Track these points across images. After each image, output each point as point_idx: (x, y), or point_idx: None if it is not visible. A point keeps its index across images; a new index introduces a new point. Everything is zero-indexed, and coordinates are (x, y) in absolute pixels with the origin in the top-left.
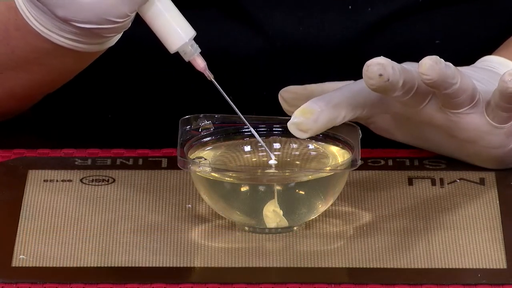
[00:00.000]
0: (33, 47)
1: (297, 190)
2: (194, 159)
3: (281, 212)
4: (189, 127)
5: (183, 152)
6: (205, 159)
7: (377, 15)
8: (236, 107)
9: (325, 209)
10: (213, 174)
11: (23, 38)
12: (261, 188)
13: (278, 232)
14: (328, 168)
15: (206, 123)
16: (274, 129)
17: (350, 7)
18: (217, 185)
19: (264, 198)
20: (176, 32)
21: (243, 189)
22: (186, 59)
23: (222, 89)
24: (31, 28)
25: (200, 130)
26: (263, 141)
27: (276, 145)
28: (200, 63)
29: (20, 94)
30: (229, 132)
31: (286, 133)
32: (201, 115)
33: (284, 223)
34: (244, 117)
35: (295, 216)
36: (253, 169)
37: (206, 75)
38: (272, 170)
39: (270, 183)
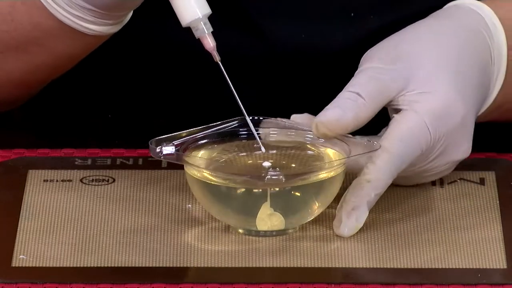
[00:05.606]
0: (36, 24)
1: (292, 193)
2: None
3: (276, 215)
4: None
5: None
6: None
7: (379, 22)
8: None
9: (320, 211)
10: (207, 177)
11: (28, 13)
12: (256, 191)
13: (273, 235)
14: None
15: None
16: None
17: (352, 14)
18: (211, 188)
19: (259, 201)
20: (191, 6)
21: (238, 192)
22: (197, 35)
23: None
24: (38, 2)
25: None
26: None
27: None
28: (209, 42)
29: (18, 78)
30: (225, 135)
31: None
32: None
33: (281, 225)
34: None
35: (291, 219)
36: (256, 172)
37: (213, 56)
38: (270, 173)
39: (267, 187)
